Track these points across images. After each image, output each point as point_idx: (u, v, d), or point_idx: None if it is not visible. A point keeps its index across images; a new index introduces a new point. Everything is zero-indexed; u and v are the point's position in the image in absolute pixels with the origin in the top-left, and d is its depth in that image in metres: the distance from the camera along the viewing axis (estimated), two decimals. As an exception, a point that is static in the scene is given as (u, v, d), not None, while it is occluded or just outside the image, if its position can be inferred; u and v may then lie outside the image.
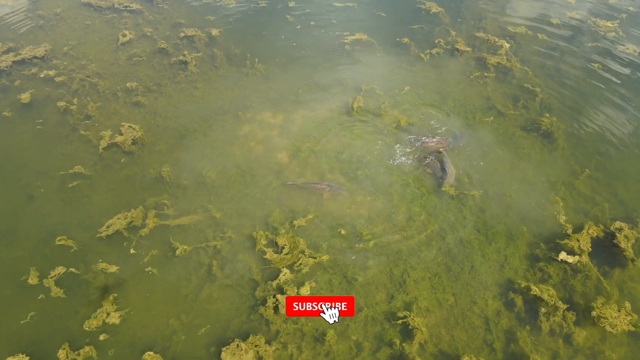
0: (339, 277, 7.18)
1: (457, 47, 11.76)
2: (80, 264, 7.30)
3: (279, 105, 10.29)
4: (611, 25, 13.50)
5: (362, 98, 10.29)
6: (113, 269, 7.08)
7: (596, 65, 11.78)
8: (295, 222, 7.83)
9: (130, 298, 6.88)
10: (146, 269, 7.18)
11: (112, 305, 6.61)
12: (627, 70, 11.66)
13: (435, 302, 6.96)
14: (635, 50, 12.37)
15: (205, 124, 9.81)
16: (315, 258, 7.34)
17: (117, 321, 6.46)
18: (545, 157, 9.18)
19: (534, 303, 6.86)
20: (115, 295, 6.79)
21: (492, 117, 10.02)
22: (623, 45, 12.64)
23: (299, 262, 7.26)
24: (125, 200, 8.27)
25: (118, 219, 7.60)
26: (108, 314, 6.45)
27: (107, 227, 7.54)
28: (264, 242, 7.50)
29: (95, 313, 6.47)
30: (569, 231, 7.72)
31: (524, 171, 8.86)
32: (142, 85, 10.70)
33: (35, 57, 11.29)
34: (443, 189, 8.36)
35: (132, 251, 7.33)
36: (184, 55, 11.46)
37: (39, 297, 6.82)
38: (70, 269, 7.11)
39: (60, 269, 7.07)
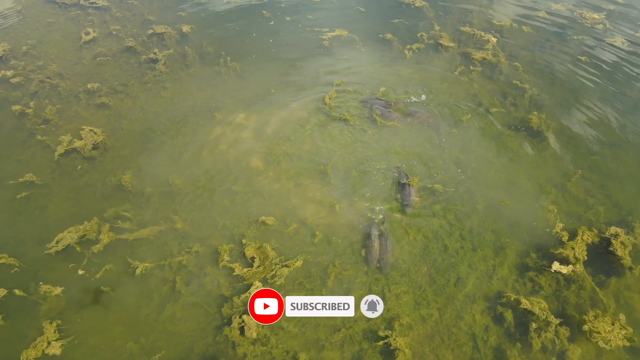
0: (316, 293, 6.56)
1: (441, 42, 11.19)
2: (30, 283, 6.61)
3: (252, 105, 9.65)
4: (598, 17, 13.04)
5: (334, 93, 9.70)
6: (57, 290, 6.38)
7: (584, 58, 11.31)
8: (261, 218, 7.30)
9: (81, 322, 6.21)
10: (100, 288, 6.49)
11: (55, 332, 5.91)
12: (617, 64, 11.19)
13: (418, 318, 6.37)
14: (623, 42, 11.89)
15: (174, 126, 9.14)
16: (289, 266, 6.72)
17: (57, 351, 5.76)
18: (535, 158, 8.64)
19: (524, 317, 6.31)
20: (59, 321, 6.09)
21: (469, 115, 9.43)
22: (612, 37, 12.17)
23: (272, 273, 6.64)
24: (84, 211, 7.60)
25: (69, 232, 6.90)
26: (49, 343, 5.75)
27: (57, 242, 6.84)
28: (227, 258, 6.85)
29: (35, 342, 5.77)
30: (564, 239, 7.16)
31: (513, 173, 8.32)
32: (106, 86, 10.00)
33: (-8, 58, 10.54)
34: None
35: (80, 272, 6.64)
36: (155, 53, 10.75)
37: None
38: (15, 290, 6.39)
39: (1, 291, 6.35)
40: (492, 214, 7.62)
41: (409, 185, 7.88)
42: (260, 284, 6.58)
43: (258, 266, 6.75)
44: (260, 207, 7.62)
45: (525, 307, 6.10)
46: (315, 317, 6.34)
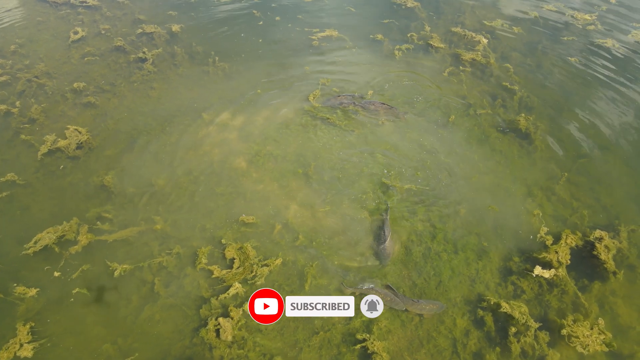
0: (295, 295, 6.51)
1: (431, 42, 11.11)
2: (9, 284, 6.56)
3: (240, 106, 9.59)
4: (589, 18, 12.94)
5: (319, 92, 9.68)
6: (32, 292, 6.33)
7: (574, 59, 11.21)
8: (242, 217, 7.29)
9: (58, 323, 6.16)
10: (77, 290, 6.45)
11: (28, 334, 5.86)
12: (608, 66, 11.09)
13: (398, 322, 6.30)
14: (614, 44, 11.79)
15: (160, 126, 9.09)
16: (268, 265, 6.66)
17: (29, 354, 5.71)
18: (523, 160, 8.56)
19: (505, 321, 6.23)
20: (33, 323, 6.04)
21: (453, 117, 9.35)
22: (603, 39, 12.08)
23: (253, 273, 6.61)
24: (67, 211, 7.55)
25: (48, 232, 6.85)
26: (21, 345, 5.70)
27: (35, 242, 6.79)
28: (205, 260, 6.80)
29: (7, 344, 5.72)
30: (549, 242, 7.08)
31: (500, 175, 8.24)
32: (93, 85, 9.96)
33: (-20, 57, 10.50)
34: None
35: (55, 274, 6.59)
36: (144, 52, 10.71)
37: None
38: (-9, 290, 6.35)
39: (-25, 292, 6.32)
40: (477, 216, 7.56)
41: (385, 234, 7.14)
42: (240, 285, 6.51)
43: (238, 267, 6.70)
44: (243, 208, 7.57)
45: (505, 310, 6.02)
46: (293, 320, 6.27)
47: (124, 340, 6.13)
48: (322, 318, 6.27)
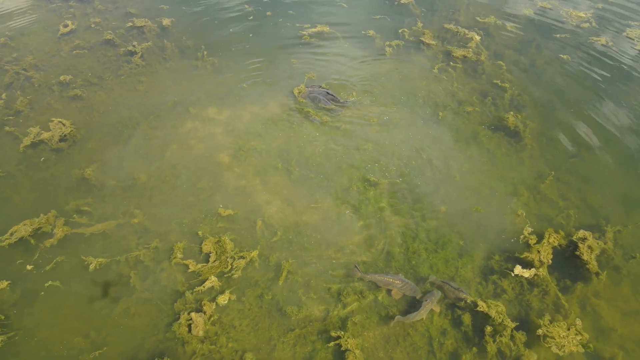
0: (269, 293, 6.43)
1: (423, 39, 10.98)
2: (-12, 275, 6.52)
3: (227, 100, 9.52)
4: (584, 16, 12.76)
5: (304, 88, 9.57)
6: (4, 284, 6.28)
7: (566, 57, 11.04)
8: (220, 209, 7.27)
9: (31, 316, 6.11)
10: (50, 283, 6.41)
11: (-3, 327, 5.83)
12: (602, 64, 10.93)
13: (375, 318, 6.20)
14: (607, 42, 11.61)
15: (145, 120, 9.03)
16: (244, 258, 6.59)
17: (-4, 346, 5.66)
18: (511, 159, 8.43)
19: (483, 321, 6.12)
20: (2, 317, 5.99)
21: (441, 114, 9.25)
22: (597, 36, 11.90)
23: (229, 266, 6.58)
24: (48, 203, 7.52)
25: (24, 225, 6.81)
26: (-11, 338, 5.67)
27: (11, 234, 6.74)
28: (180, 255, 6.73)
29: (-23, 337, 5.69)
30: (532, 242, 6.96)
31: (486, 173, 8.13)
32: (81, 78, 9.92)
33: (-31, 50, 10.49)
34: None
35: (28, 267, 6.55)
36: (134, 45, 10.65)
37: None
38: (-37, 282, 6.32)
39: (-54, 284, 6.28)
40: (461, 215, 7.45)
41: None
42: (216, 278, 6.45)
43: (214, 261, 6.62)
44: (223, 203, 7.50)
45: (482, 309, 5.91)
46: (269, 315, 6.20)
47: (98, 333, 6.06)
48: (297, 315, 6.17)
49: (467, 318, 6.14)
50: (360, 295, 6.39)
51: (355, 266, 6.52)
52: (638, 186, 8.03)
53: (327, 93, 9.31)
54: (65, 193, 7.69)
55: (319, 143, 8.55)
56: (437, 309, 6.23)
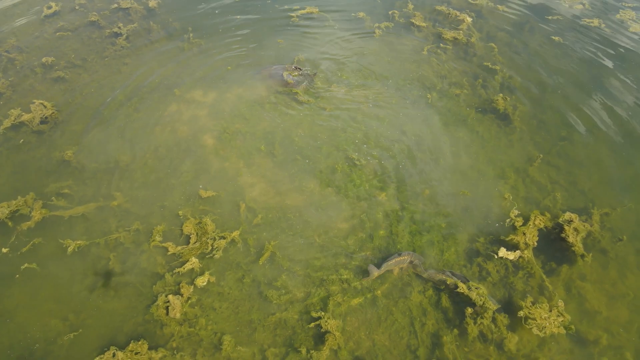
0: (250, 275, 6.34)
1: (413, 21, 10.76)
2: (-35, 258, 6.42)
3: (212, 82, 9.35)
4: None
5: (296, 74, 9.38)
6: (-23, 266, 6.20)
7: (557, 38, 10.83)
8: (200, 191, 7.19)
9: (9, 299, 6.05)
10: (26, 265, 6.31)
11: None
12: (595, 46, 10.73)
13: (357, 299, 6.12)
14: (600, 24, 11.40)
15: (129, 102, 8.87)
16: (225, 238, 6.50)
17: (-34, 328, 5.58)
18: (500, 142, 8.30)
19: (466, 303, 6.04)
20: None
21: (429, 96, 9.09)
22: (590, 18, 11.68)
23: (210, 247, 6.50)
24: (28, 185, 7.40)
25: (0, 207, 6.69)
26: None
27: (-12, 216, 6.65)
28: (159, 238, 6.63)
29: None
30: (518, 224, 6.85)
31: (474, 156, 8.00)
32: (65, 60, 9.73)
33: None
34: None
35: (4, 250, 6.45)
36: (119, 27, 10.44)
37: None
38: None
39: None
40: (448, 198, 7.34)
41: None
42: (197, 260, 6.35)
43: (195, 242, 6.53)
44: (206, 185, 7.38)
45: (461, 291, 5.82)
46: (250, 299, 6.11)
47: (76, 316, 5.98)
48: (279, 300, 6.09)
49: (445, 300, 6.06)
50: (344, 282, 6.30)
51: (369, 266, 6.37)
52: (627, 169, 7.90)
53: (296, 67, 9.26)
54: (45, 176, 7.56)
55: (305, 125, 8.41)
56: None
